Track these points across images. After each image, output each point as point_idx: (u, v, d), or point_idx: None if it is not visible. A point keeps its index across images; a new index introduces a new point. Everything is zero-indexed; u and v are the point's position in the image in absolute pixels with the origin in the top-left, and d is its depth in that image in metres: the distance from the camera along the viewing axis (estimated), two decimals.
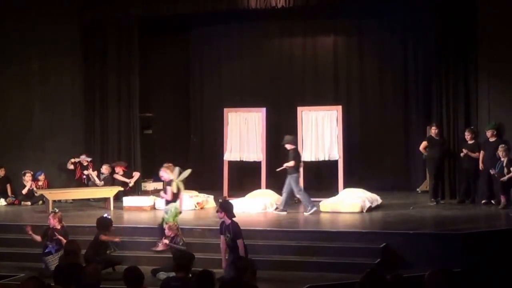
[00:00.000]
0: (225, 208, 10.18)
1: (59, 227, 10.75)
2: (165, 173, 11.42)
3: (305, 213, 13.13)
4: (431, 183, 14.10)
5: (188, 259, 7.47)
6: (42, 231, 10.91)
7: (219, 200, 14.48)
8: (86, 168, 15.83)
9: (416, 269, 9.36)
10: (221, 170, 15.53)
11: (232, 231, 9.95)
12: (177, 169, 11.51)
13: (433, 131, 14.20)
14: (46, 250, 10.64)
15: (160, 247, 10.81)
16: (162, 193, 11.53)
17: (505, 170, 13.12)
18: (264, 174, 15.16)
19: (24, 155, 16.05)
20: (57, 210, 11.24)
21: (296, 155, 13.45)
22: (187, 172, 12.00)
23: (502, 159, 13.25)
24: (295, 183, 13.28)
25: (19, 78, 16.51)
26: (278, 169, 13.53)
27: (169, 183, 11.35)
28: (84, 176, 15.79)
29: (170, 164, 11.55)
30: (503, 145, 13.34)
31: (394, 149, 16.49)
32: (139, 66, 16.25)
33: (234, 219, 10.14)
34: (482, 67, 14.12)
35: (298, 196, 13.46)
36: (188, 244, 10.70)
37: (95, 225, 10.79)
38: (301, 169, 13.88)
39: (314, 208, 13.04)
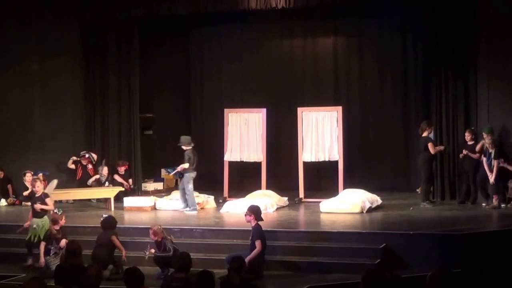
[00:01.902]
0: (254, 212, 10.41)
1: (58, 227, 10.81)
2: (41, 184, 11.82)
3: (185, 211, 13.65)
4: (426, 185, 13.98)
5: (188, 260, 7.48)
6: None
7: (219, 201, 14.57)
8: (86, 167, 15.83)
9: (416, 270, 9.42)
10: (221, 170, 15.54)
11: (254, 232, 10.20)
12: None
13: (432, 132, 14.20)
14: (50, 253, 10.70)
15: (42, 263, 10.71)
16: (38, 205, 11.35)
17: (493, 162, 13.19)
18: (264, 174, 15.18)
19: (24, 155, 16.06)
20: (61, 211, 11.26)
21: (193, 156, 13.81)
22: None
23: (490, 150, 13.33)
24: (188, 182, 13.68)
25: (19, 78, 16.51)
26: (177, 169, 13.91)
27: (46, 195, 11.60)
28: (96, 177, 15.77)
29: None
30: (490, 138, 13.37)
31: (394, 150, 16.49)
32: (139, 67, 16.25)
33: (260, 222, 10.37)
34: (482, 67, 14.12)
35: (186, 196, 13.79)
36: (188, 245, 10.71)
37: (101, 225, 10.80)
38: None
39: (195, 212, 13.62)
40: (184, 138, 14.04)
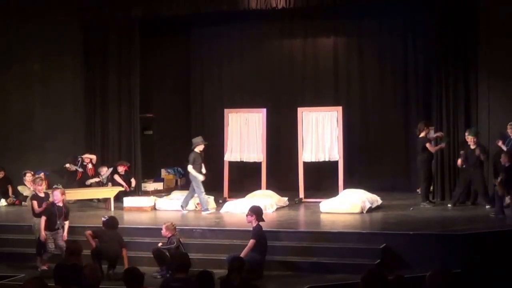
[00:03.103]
0: (256, 212, 10.43)
1: (61, 204, 10.87)
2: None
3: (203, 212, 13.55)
4: (425, 185, 13.96)
5: (186, 260, 7.47)
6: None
7: (219, 201, 14.56)
8: (86, 167, 15.84)
9: (416, 270, 9.39)
10: (222, 170, 15.54)
11: (252, 232, 10.25)
12: None
13: (431, 132, 14.19)
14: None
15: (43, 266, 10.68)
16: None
17: None
18: (264, 174, 15.18)
19: (24, 155, 16.06)
20: (60, 186, 11.24)
21: None
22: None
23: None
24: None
25: (19, 78, 16.52)
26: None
27: (48, 194, 11.52)
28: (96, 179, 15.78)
29: None
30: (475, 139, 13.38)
31: (394, 150, 16.48)
32: (139, 67, 16.26)
33: (261, 223, 10.40)
34: (482, 67, 14.12)
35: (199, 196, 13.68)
36: (188, 245, 10.71)
37: (107, 226, 10.81)
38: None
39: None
40: (199, 139, 14.01)
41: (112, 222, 10.91)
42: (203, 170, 13.62)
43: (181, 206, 13.79)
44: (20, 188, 15.61)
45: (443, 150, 14.28)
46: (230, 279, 7.67)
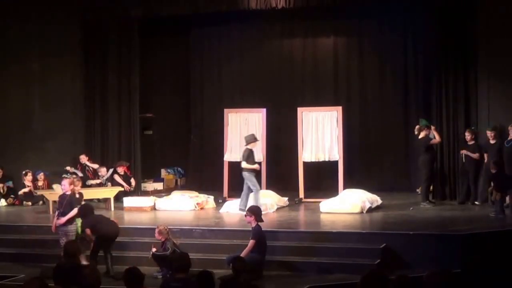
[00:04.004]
0: (255, 212, 10.42)
1: (69, 192, 10.64)
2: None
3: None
4: (426, 185, 13.98)
5: (187, 260, 7.47)
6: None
7: (219, 201, 14.56)
8: (85, 168, 15.83)
9: (416, 270, 9.39)
10: (221, 170, 15.54)
11: (252, 232, 10.23)
12: None
13: (431, 132, 14.20)
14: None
15: None
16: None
17: None
18: (264, 174, 15.17)
19: (24, 155, 16.05)
20: (69, 175, 11.08)
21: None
22: None
23: None
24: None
25: (19, 78, 16.51)
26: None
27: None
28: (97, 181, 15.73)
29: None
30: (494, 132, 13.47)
31: (394, 150, 16.49)
32: (139, 67, 16.27)
33: (260, 223, 10.38)
34: (482, 67, 14.12)
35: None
36: (188, 245, 10.71)
37: (85, 214, 10.61)
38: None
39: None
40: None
41: (85, 208, 10.69)
42: (256, 166, 13.49)
43: (241, 209, 13.00)
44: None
45: (443, 150, 14.32)
46: (239, 280, 7.63)
